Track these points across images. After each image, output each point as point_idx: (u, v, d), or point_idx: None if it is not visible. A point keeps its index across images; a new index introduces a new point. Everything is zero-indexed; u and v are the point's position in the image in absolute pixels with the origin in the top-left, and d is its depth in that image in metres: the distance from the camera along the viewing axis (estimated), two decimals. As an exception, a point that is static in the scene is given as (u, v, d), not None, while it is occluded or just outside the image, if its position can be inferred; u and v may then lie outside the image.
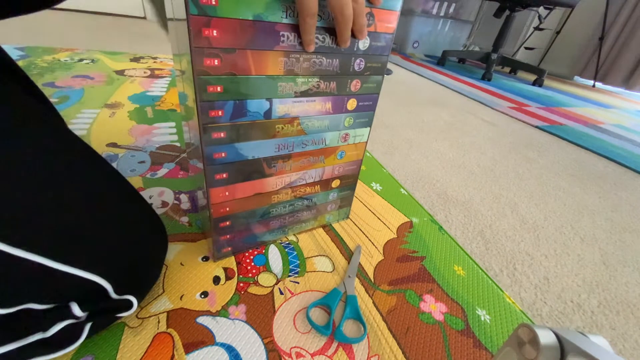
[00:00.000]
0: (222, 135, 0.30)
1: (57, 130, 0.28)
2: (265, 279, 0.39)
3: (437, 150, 0.87)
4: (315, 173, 0.41)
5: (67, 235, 0.25)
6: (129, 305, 0.29)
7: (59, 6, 1.87)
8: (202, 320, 0.33)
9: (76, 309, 0.25)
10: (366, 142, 0.44)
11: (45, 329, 0.24)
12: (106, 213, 0.29)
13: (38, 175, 0.24)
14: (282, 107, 0.33)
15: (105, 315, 0.29)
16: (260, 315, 0.35)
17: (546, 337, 0.17)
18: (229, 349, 0.31)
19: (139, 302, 0.31)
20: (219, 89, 0.28)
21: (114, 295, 0.28)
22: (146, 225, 0.34)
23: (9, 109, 0.25)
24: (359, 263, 0.44)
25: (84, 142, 0.31)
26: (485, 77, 1.97)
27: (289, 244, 0.45)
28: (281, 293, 0.38)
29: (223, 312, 0.34)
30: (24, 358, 0.24)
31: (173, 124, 0.74)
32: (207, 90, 0.27)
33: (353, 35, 0.32)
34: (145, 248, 0.32)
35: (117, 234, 0.29)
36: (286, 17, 0.28)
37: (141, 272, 0.32)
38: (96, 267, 0.26)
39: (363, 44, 0.34)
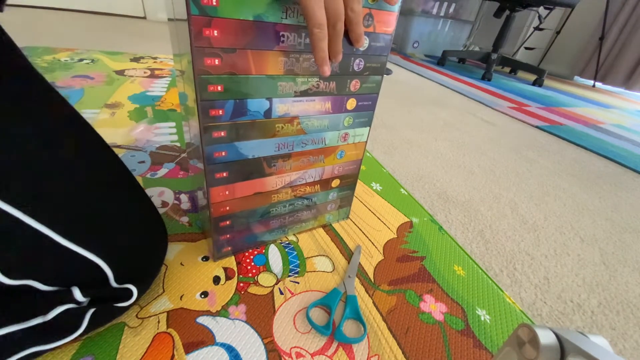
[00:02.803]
0: (222, 134, 0.30)
1: (73, 118, 0.30)
2: (265, 279, 0.39)
3: (437, 150, 0.87)
4: (315, 172, 0.42)
5: (77, 216, 0.26)
6: (129, 294, 0.30)
7: (59, 6, 1.87)
8: (202, 320, 0.33)
9: (77, 293, 0.25)
10: (366, 142, 0.44)
11: (45, 312, 0.25)
12: (112, 203, 0.29)
13: (57, 157, 0.25)
14: (282, 107, 0.33)
15: (105, 304, 0.29)
16: (260, 315, 0.35)
17: (546, 337, 0.17)
18: (229, 349, 0.31)
19: (139, 296, 0.31)
20: (219, 88, 0.28)
21: (114, 284, 0.28)
22: (148, 220, 0.34)
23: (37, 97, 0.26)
24: (359, 263, 0.44)
25: (95, 130, 0.32)
26: (485, 77, 1.97)
27: (289, 243, 0.45)
28: (281, 293, 0.38)
29: (223, 312, 0.34)
30: (24, 346, 0.25)
31: (173, 124, 0.74)
32: (207, 89, 0.27)
33: (349, 43, 0.30)
34: (146, 243, 0.33)
35: (121, 224, 0.30)
36: (286, 18, 0.28)
37: (141, 266, 0.32)
38: (100, 251, 0.26)
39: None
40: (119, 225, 0.30)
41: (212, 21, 0.25)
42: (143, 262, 0.32)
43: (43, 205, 0.23)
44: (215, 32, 0.25)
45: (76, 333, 0.27)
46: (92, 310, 0.27)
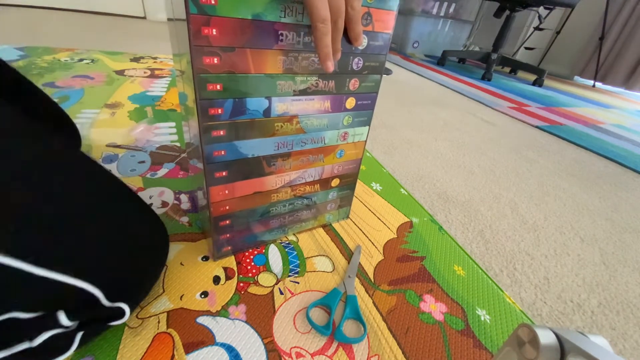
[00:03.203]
0: (221, 133, 0.30)
1: (46, 137, 0.27)
2: (265, 278, 0.39)
3: (437, 150, 0.87)
4: (315, 172, 0.41)
5: (54, 240, 0.23)
6: (121, 313, 0.28)
7: (59, 6, 1.88)
8: (202, 320, 0.33)
9: (63, 318, 0.24)
10: (365, 141, 0.44)
11: (31, 338, 0.23)
12: (98, 217, 0.27)
13: (22, 174, 0.23)
14: (281, 106, 0.33)
15: (96, 324, 0.28)
16: (260, 315, 0.35)
17: (546, 337, 0.17)
18: (229, 349, 0.31)
19: (134, 308, 0.29)
20: (218, 87, 0.28)
21: (106, 303, 0.26)
22: (143, 228, 0.33)
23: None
24: (359, 263, 0.44)
25: (73, 150, 0.29)
26: (485, 77, 1.97)
27: (289, 243, 0.45)
28: (281, 293, 0.38)
29: (223, 312, 0.34)
30: None
31: (173, 124, 0.74)
32: (206, 88, 0.27)
33: (348, 42, 0.31)
34: (140, 253, 0.31)
35: (110, 238, 0.28)
36: (285, 17, 0.28)
37: (136, 278, 0.31)
38: (86, 273, 0.25)
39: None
40: (110, 244, 0.28)
41: (210, 20, 0.25)
42: (139, 277, 0.31)
43: (12, 234, 0.21)
44: (214, 31, 0.25)
45: (67, 353, 0.26)
46: (82, 333, 0.26)
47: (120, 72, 1.02)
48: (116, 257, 0.28)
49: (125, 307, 0.28)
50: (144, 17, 2.14)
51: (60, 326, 0.24)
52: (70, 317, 0.24)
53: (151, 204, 0.48)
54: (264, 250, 0.43)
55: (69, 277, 0.23)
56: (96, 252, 0.26)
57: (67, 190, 0.26)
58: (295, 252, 0.44)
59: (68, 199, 0.26)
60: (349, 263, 0.44)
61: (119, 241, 0.29)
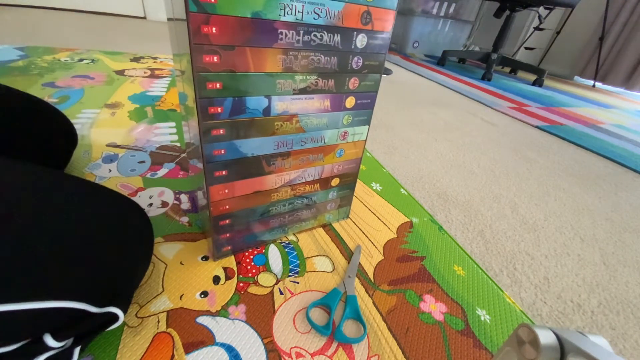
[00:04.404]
0: (221, 132, 0.30)
1: None
2: (265, 278, 0.39)
3: (437, 150, 0.87)
4: (315, 171, 0.41)
5: (15, 267, 0.21)
6: (115, 317, 0.27)
7: (59, 6, 1.88)
8: (202, 320, 0.33)
9: (51, 341, 0.22)
10: (365, 141, 0.44)
11: None
12: (56, 225, 0.25)
13: None
14: (281, 105, 0.33)
15: (92, 333, 0.26)
16: (260, 315, 0.35)
17: (546, 337, 0.16)
18: (229, 349, 0.31)
19: (127, 305, 0.28)
20: (218, 85, 0.28)
21: (94, 310, 0.25)
22: (118, 222, 0.30)
23: None
24: (359, 263, 0.44)
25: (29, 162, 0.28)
26: (485, 77, 1.97)
27: (288, 243, 0.45)
28: (281, 293, 0.38)
29: (223, 312, 0.34)
30: None
31: (173, 124, 0.74)
32: (206, 87, 0.27)
33: None
34: (120, 250, 0.29)
35: (80, 242, 0.26)
36: (284, 15, 0.28)
37: (121, 272, 0.29)
38: (61, 291, 0.23)
39: (361, 42, 0.34)
40: (82, 250, 0.25)
41: (210, 18, 0.25)
42: (123, 275, 0.29)
43: None
44: (214, 29, 0.25)
45: None
46: (79, 347, 0.25)
47: (120, 72, 1.01)
48: (91, 259, 0.26)
49: (117, 311, 0.27)
50: (144, 17, 2.14)
51: (51, 348, 0.23)
52: (59, 337, 0.23)
53: (151, 204, 0.48)
54: (263, 250, 0.43)
55: (43, 301, 0.21)
56: (68, 264, 0.24)
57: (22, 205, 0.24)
58: (295, 252, 0.44)
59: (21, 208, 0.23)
60: (349, 263, 0.44)
61: (90, 244, 0.26)
